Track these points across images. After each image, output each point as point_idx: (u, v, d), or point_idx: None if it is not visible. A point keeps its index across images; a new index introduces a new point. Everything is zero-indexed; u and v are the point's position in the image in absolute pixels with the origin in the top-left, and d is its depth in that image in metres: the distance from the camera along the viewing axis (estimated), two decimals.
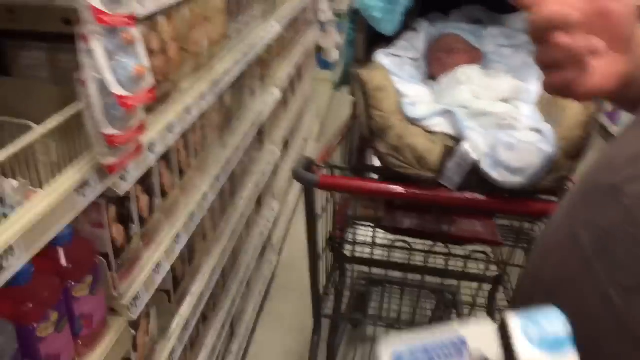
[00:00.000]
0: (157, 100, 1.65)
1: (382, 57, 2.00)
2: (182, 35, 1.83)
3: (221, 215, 2.49)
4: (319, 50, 5.48)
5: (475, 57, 2.16)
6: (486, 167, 1.55)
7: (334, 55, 5.41)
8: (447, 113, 1.66)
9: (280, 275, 3.80)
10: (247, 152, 2.85)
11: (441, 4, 2.37)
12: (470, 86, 1.98)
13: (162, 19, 1.66)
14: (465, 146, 1.57)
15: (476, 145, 1.58)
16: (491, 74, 2.09)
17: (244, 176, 2.89)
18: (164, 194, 1.77)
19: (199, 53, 1.99)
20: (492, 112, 1.79)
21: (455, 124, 1.64)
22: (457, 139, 1.64)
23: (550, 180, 1.54)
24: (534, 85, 1.99)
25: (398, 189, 1.61)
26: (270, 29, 3.03)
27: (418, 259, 2.02)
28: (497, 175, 1.54)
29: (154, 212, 1.71)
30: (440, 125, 1.66)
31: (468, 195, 1.58)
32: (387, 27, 2.01)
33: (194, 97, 1.90)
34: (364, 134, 1.70)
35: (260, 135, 3.22)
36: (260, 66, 3.04)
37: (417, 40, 2.20)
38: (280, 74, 3.53)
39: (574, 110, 1.61)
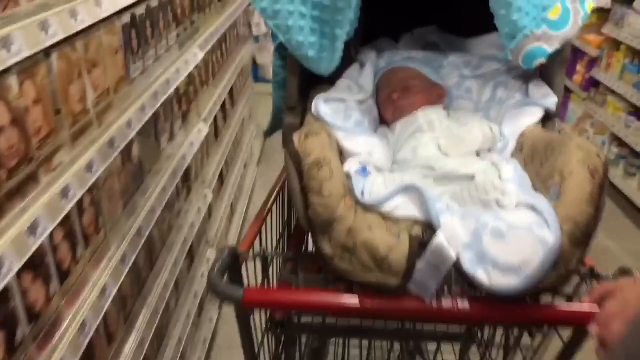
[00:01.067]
0: (10, 194, 1.18)
1: (322, 105, 1.58)
2: (53, 94, 1.36)
3: (134, 299, 2.01)
4: (255, 63, 5.03)
5: (437, 95, 1.76)
6: (468, 264, 1.15)
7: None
8: (412, 190, 1.25)
9: (222, 331, 3.34)
10: (169, 207, 2.38)
11: (389, 28, 1.96)
12: (434, 136, 1.58)
13: (13, 80, 1.19)
14: (440, 238, 1.16)
15: (453, 235, 1.17)
16: (458, 117, 1.69)
17: (169, 233, 2.42)
18: (38, 315, 1.30)
19: (84, 111, 1.52)
20: (466, 175, 1.40)
21: (424, 204, 1.22)
22: (427, 224, 1.23)
23: (553, 277, 1.15)
24: (509, 126, 1.61)
25: (352, 301, 1.18)
26: (190, 58, 2.56)
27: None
28: (483, 276, 1.14)
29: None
30: (404, 207, 1.24)
31: (447, 305, 1.18)
32: (326, 67, 1.59)
33: (75, 171, 1.42)
34: (302, 225, 1.27)
35: (187, 181, 2.74)
36: (181, 102, 2.57)
37: (363, 77, 1.78)
38: (208, 105, 3.06)
39: (578, 177, 1.22)
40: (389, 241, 1.16)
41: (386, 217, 1.24)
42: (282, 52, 1.63)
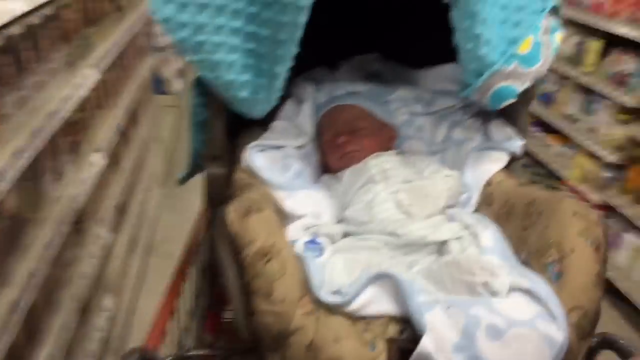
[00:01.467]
0: None
1: (256, 157, 1.28)
2: None
3: None
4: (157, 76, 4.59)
5: (388, 138, 1.51)
6: None
7: (177, 85, 4.54)
8: (384, 278, 0.97)
9: None
10: (57, 260, 1.96)
11: (324, 54, 1.69)
12: (390, 190, 1.32)
13: None
14: (426, 346, 0.89)
15: (441, 337, 0.91)
16: (413, 162, 1.45)
17: (56, 292, 2.00)
18: None
19: None
20: (436, 242, 1.15)
21: (400, 296, 0.95)
22: (404, 319, 0.96)
23: None
24: (471, 174, 1.38)
25: None
26: (82, 81, 2.15)
27: None
28: None
29: None
30: (375, 302, 0.97)
31: None
32: (261, 109, 1.29)
33: None
34: (244, 336, 0.95)
35: (80, 223, 2.32)
36: (71, 133, 2.15)
37: (302, 117, 1.49)
38: (104, 131, 2.64)
39: (582, 256, 1.00)
40: (363, 355, 0.88)
41: (354, 318, 0.95)
42: (203, 87, 1.30)
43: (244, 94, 1.21)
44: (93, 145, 2.50)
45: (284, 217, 1.24)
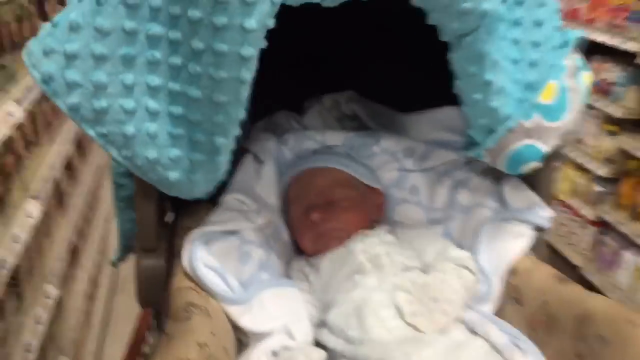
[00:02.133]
0: None
1: (198, 255, 0.95)
2: None
3: None
4: None
5: (376, 207, 1.19)
6: None
7: None
8: None
9: None
10: None
11: (286, 94, 1.36)
12: (385, 287, 1.01)
13: None
14: None
15: None
16: (411, 239, 1.15)
17: None
18: None
19: None
20: None
21: None
22: None
23: None
24: (487, 256, 1.08)
25: None
26: (3, 119, 1.79)
27: None
28: None
29: None
30: None
31: None
32: (201, 190, 0.95)
33: None
34: None
35: (17, 286, 1.96)
36: None
37: (263, 184, 1.16)
38: (41, 171, 2.27)
39: None
40: None
41: None
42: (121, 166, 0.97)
43: (174, 175, 0.88)
44: (26, 192, 2.13)
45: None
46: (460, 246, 1.16)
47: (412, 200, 1.25)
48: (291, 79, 1.32)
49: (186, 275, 0.96)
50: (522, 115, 0.99)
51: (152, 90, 0.83)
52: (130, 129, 0.82)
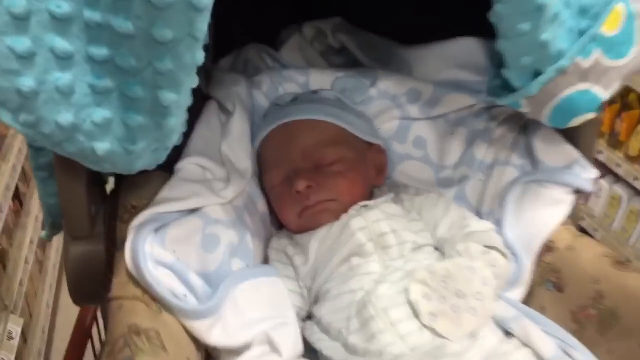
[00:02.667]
0: None
1: (144, 249, 0.70)
2: None
3: None
4: None
5: (376, 167, 0.96)
6: None
7: None
8: None
9: None
10: None
11: (259, 22, 1.07)
12: (394, 277, 0.79)
13: None
14: None
15: None
16: (420, 206, 0.92)
17: None
18: None
19: None
20: None
21: None
22: None
23: None
24: (515, 228, 0.87)
25: None
26: None
27: None
28: None
29: None
30: None
31: None
32: (145, 162, 0.67)
33: None
34: None
35: None
36: None
37: (230, 141, 0.89)
38: None
39: None
40: None
41: None
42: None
43: (103, 145, 0.60)
44: None
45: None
46: (479, 215, 0.94)
47: (417, 155, 1.00)
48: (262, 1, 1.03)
49: (130, 277, 0.70)
50: (578, 52, 0.73)
51: (58, 22, 0.54)
52: (27, 81, 0.54)
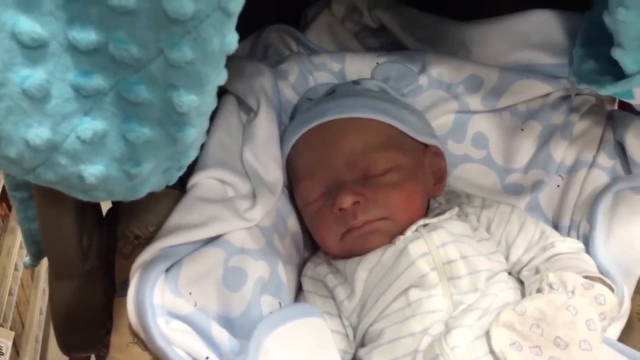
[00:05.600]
0: None
1: (155, 300, 0.52)
2: None
3: None
4: None
5: (434, 174, 0.77)
6: None
7: None
8: None
9: None
10: None
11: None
12: (471, 319, 0.62)
13: None
14: None
15: None
16: (488, 224, 0.74)
17: None
18: None
19: None
20: None
21: None
22: None
23: None
24: (608, 244, 0.70)
25: None
26: None
27: None
28: None
29: None
30: None
31: None
32: (144, 188, 0.49)
33: None
34: None
35: None
36: None
37: (256, 150, 0.71)
38: None
39: None
40: None
41: None
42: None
43: (94, 170, 0.42)
44: None
45: None
46: (557, 229, 0.77)
47: (478, 157, 0.83)
48: None
49: (134, 337, 0.53)
50: None
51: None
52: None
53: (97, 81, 0.40)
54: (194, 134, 0.44)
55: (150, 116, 0.42)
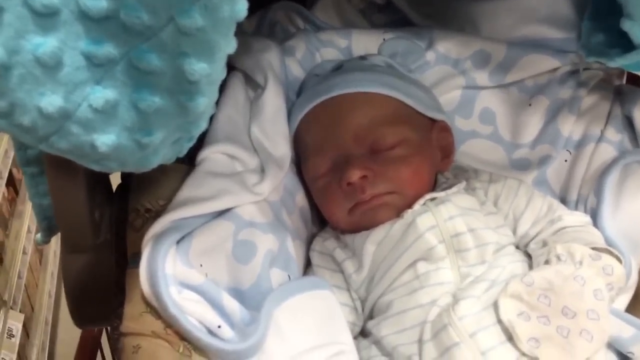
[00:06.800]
0: None
1: (167, 270, 0.53)
2: None
3: None
4: None
5: (442, 149, 0.78)
6: None
7: None
8: None
9: None
10: None
11: None
12: (479, 290, 0.62)
13: None
14: None
15: None
16: (495, 195, 0.74)
17: None
18: None
19: None
20: None
21: None
22: None
23: None
24: (615, 216, 0.70)
25: None
26: None
27: None
28: None
29: None
30: None
31: None
32: (155, 159, 0.50)
33: None
34: None
35: None
36: None
37: (264, 125, 0.71)
38: None
39: None
40: None
41: None
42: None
43: (106, 139, 0.43)
44: None
45: None
46: (565, 204, 0.77)
47: (485, 132, 0.83)
48: None
49: (148, 306, 0.54)
50: None
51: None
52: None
53: (109, 49, 0.41)
54: (205, 103, 0.44)
55: (162, 85, 0.43)
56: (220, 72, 0.44)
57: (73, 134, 0.43)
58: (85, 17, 0.39)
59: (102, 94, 0.42)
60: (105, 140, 0.44)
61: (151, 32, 0.40)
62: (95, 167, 0.48)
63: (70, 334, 1.23)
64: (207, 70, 0.42)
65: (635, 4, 0.57)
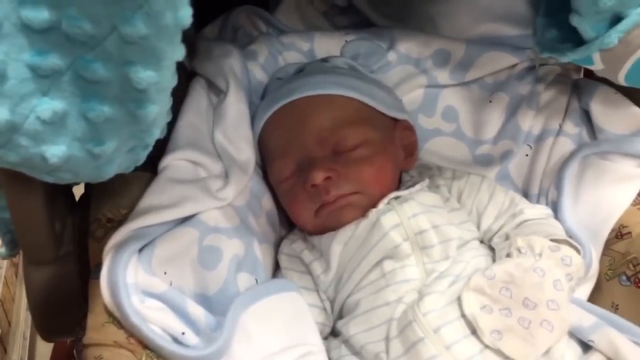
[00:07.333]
0: None
1: (128, 280, 0.53)
2: None
3: None
4: None
5: (405, 148, 0.78)
6: None
7: None
8: None
9: None
10: None
11: None
12: (443, 285, 0.64)
13: None
14: None
15: None
16: (459, 193, 0.75)
17: None
18: None
19: None
20: None
21: None
22: None
23: None
24: (576, 209, 0.72)
25: None
26: None
27: None
28: None
29: None
30: None
31: None
32: (109, 169, 0.50)
33: None
34: None
35: None
36: None
37: (227, 131, 0.72)
38: None
39: None
40: None
41: None
42: None
43: (56, 150, 0.42)
44: None
45: None
46: (527, 198, 0.79)
47: (448, 130, 0.84)
48: None
49: (110, 316, 0.54)
50: None
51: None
52: None
53: (53, 60, 0.41)
54: (155, 110, 0.44)
55: (110, 94, 0.43)
56: (170, 80, 0.44)
57: (22, 147, 0.43)
58: (27, 29, 0.39)
59: (49, 105, 0.42)
60: (55, 151, 0.44)
61: (95, 42, 0.40)
62: (49, 179, 0.47)
63: (49, 348, 1.21)
64: (154, 78, 0.42)
65: (581, 0, 0.59)
